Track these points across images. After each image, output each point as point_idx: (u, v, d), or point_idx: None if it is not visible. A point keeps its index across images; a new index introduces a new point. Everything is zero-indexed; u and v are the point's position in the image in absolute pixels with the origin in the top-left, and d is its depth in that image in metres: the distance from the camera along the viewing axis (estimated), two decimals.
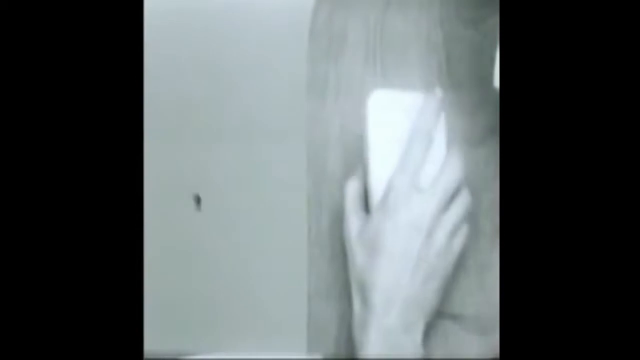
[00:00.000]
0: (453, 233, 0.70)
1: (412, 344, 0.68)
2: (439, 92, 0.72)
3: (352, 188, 0.72)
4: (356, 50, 0.86)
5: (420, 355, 0.69)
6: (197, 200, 0.73)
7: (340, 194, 0.74)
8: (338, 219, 0.74)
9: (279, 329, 0.73)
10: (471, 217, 0.72)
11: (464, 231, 0.71)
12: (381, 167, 0.71)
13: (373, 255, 0.69)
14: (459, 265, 0.72)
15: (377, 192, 0.71)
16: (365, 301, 0.68)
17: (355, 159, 0.76)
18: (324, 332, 0.73)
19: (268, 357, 0.72)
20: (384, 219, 0.69)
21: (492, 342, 0.72)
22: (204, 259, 0.75)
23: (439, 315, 0.72)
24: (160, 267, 0.73)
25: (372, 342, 0.67)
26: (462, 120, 0.77)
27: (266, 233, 0.75)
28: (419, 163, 0.70)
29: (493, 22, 0.84)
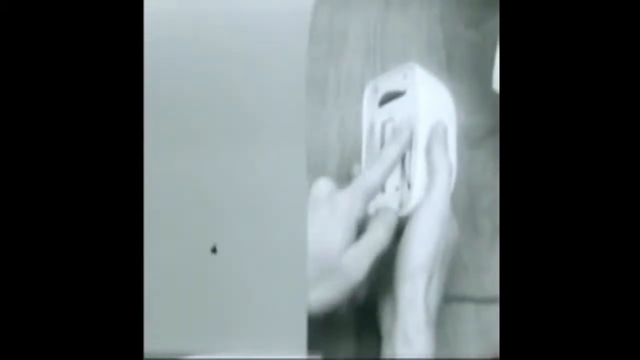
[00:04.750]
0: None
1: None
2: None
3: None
4: (356, 50, 0.86)
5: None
6: (214, 250, 0.74)
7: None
8: None
9: (279, 329, 0.73)
10: (470, 217, 0.72)
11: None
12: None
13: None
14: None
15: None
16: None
17: (355, 159, 0.77)
18: (324, 332, 0.74)
19: (268, 357, 0.73)
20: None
21: (492, 343, 0.72)
22: (203, 258, 0.75)
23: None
24: (160, 268, 0.73)
25: None
26: (462, 120, 0.77)
27: (266, 233, 0.75)
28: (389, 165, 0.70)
29: (493, 23, 0.85)
